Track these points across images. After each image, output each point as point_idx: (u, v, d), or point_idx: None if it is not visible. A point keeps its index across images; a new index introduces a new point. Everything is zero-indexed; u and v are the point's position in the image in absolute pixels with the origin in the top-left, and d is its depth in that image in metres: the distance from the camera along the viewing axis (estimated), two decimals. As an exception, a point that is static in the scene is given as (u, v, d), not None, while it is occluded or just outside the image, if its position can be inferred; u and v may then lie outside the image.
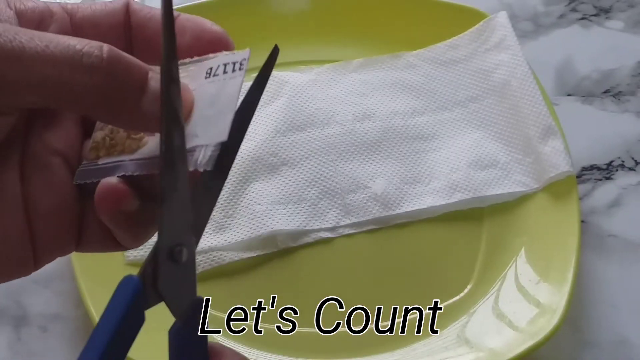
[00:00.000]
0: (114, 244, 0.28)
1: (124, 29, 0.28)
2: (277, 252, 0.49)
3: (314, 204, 0.51)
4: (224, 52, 0.27)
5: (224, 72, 0.26)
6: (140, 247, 0.48)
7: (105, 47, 0.24)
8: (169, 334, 0.25)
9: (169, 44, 0.25)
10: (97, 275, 0.46)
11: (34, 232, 0.26)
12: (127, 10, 0.28)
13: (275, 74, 0.57)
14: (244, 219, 0.50)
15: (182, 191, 0.24)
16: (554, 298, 0.45)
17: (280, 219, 0.50)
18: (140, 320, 0.24)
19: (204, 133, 0.25)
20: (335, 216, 0.51)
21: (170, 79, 0.24)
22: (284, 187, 0.51)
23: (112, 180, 0.26)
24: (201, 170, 0.25)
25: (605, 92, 0.59)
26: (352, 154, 0.53)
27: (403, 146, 0.54)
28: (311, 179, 0.52)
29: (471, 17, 0.58)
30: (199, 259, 0.48)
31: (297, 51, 0.59)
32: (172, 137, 0.24)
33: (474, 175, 0.52)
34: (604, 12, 0.64)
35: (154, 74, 0.25)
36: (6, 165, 0.26)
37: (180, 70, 0.25)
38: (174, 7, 0.26)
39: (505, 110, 0.54)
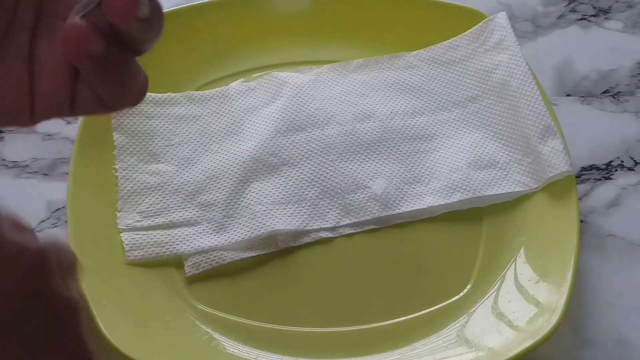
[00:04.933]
0: (102, 104, 0.30)
1: None
2: (277, 252, 0.50)
3: (314, 204, 0.51)
4: None
5: None
6: (142, 248, 0.48)
7: None
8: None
9: None
10: (97, 275, 0.46)
11: (33, 86, 0.30)
12: None
13: (276, 74, 0.57)
14: (244, 219, 0.50)
15: None
16: (553, 297, 0.45)
17: (280, 218, 0.50)
18: None
19: None
20: (336, 216, 0.51)
21: None
22: (284, 187, 0.52)
23: (76, 19, 0.27)
24: None
25: (604, 92, 0.59)
26: (352, 154, 0.53)
27: (403, 146, 0.54)
28: (311, 179, 0.52)
29: (470, 17, 0.58)
30: (199, 258, 0.48)
31: (297, 51, 0.59)
32: None
33: (473, 175, 0.52)
34: (603, 12, 0.65)
35: None
36: (22, 25, 0.30)
37: None
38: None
39: (505, 111, 0.54)
